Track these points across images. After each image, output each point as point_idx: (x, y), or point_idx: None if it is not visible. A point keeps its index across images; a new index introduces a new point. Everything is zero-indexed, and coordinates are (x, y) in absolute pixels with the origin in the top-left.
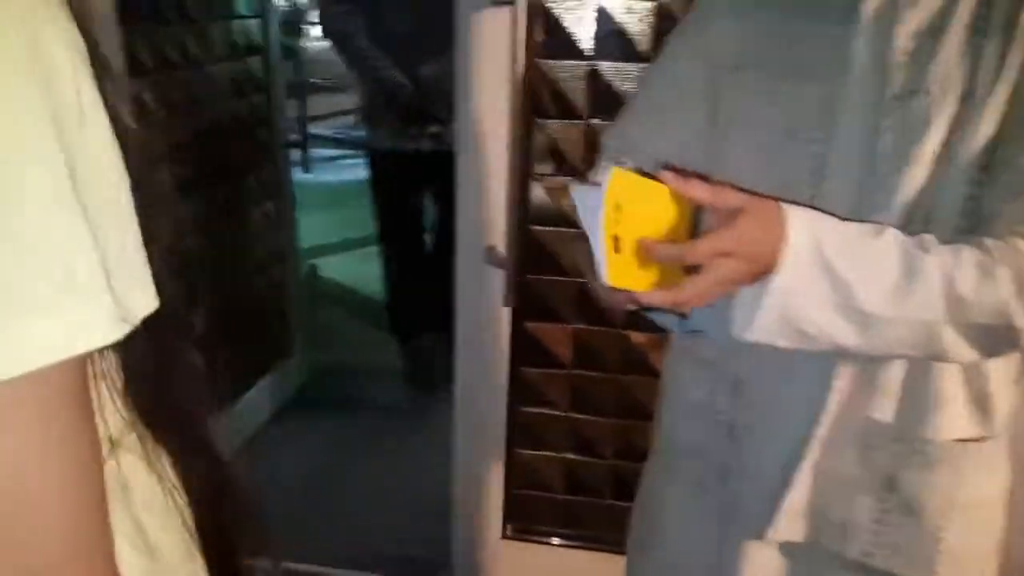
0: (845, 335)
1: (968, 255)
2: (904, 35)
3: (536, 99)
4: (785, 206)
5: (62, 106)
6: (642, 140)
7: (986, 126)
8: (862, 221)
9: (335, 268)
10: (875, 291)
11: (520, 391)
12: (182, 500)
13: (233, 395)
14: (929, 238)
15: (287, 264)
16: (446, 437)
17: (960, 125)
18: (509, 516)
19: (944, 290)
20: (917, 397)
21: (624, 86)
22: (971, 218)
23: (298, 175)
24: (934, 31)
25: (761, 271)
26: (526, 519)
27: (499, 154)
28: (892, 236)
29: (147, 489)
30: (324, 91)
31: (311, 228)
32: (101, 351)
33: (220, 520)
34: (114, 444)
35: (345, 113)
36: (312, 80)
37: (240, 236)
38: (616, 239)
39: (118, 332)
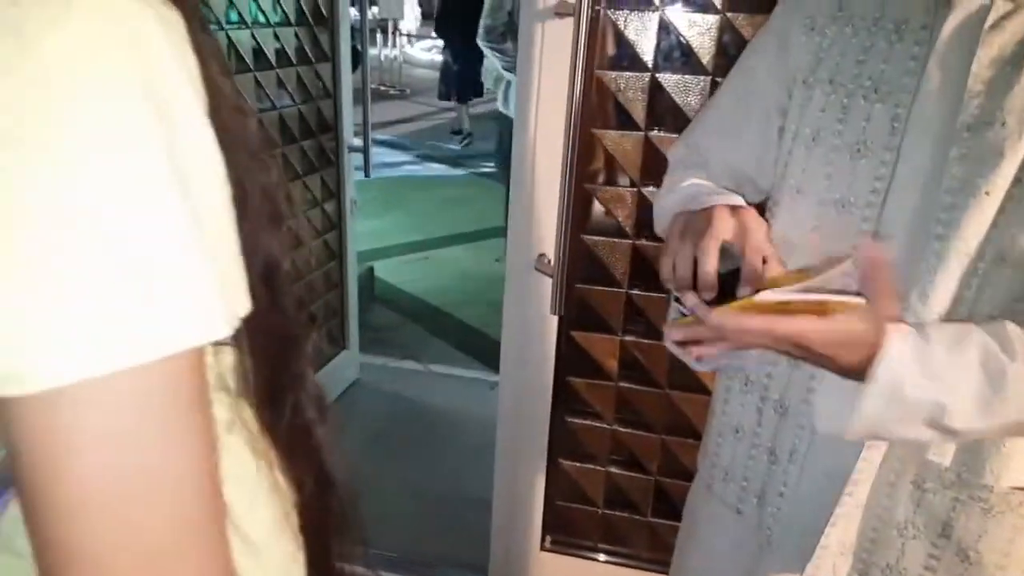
0: (934, 441)
1: None
2: (983, 61)
3: (595, 110)
4: (889, 329)
5: (167, 107)
6: (713, 152)
7: None
8: (951, 321)
9: (389, 270)
10: (962, 409)
11: (565, 401)
12: (289, 492)
13: None
14: (1015, 335)
15: (343, 263)
16: (491, 444)
17: None
18: (548, 527)
19: None
20: (978, 441)
21: (685, 99)
22: None
23: (359, 179)
24: (1016, 59)
25: (829, 369)
26: (565, 531)
27: (555, 163)
28: (976, 347)
29: (250, 475)
30: (387, 99)
31: (369, 231)
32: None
33: (323, 517)
34: (227, 428)
35: (405, 121)
36: (380, 87)
37: (302, 234)
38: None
39: (228, 330)
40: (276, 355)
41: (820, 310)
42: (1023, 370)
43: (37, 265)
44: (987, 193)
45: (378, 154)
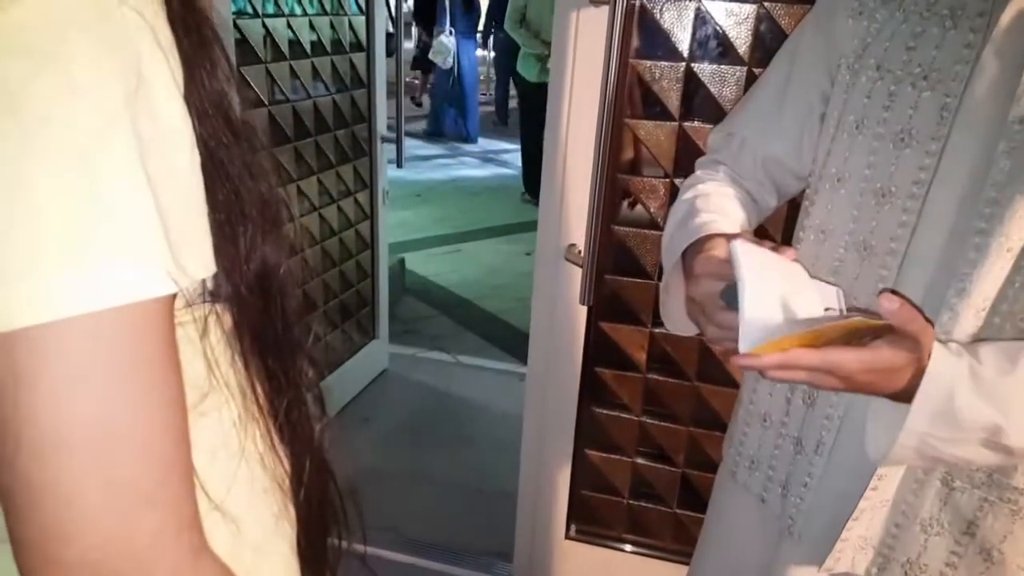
0: (990, 462)
1: None
2: None
3: (628, 99)
4: (935, 347)
5: (138, 80)
6: (750, 140)
7: None
8: (1001, 341)
9: (420, 262)
10: (1019, 427)
11: (592, 392)
12: (282, 463)
13: (324, 371)
14: None
15: (375, 253)
16: (518, 435)
17: None
18: (573, 517)
19: None
20: None
21: (720, 89)
22: None
23: (391, 171)
24: None
25: (872, 393)
26: (590, 521)
27: (587, 153)
28: None
29: (231, 450)
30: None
31: (400, 223)
32: (218, 314)
33: (317, 490)
34: (217, 392)
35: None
36: (415, 79)
37: (335, 223)
38: None
39: (169, 288)
40: (272, 353)
41: (850, 336)
42: None
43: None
44: None
45: (412, 146)
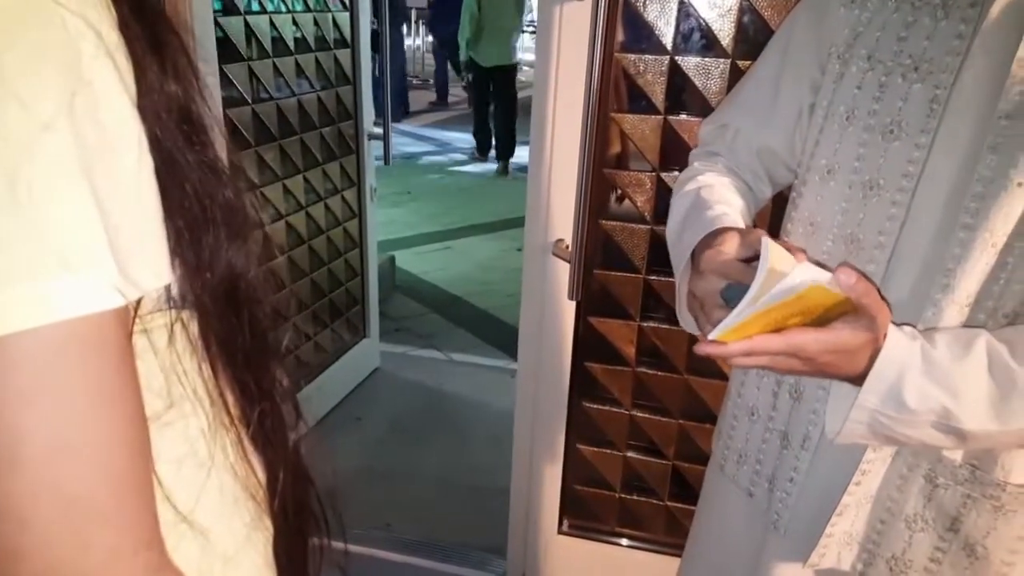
0: (943, 445)
1: None
2: None
3: (613, 93)
4: (890, 329)
5: (79, 84)
6: (742, 131)
7: None
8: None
9: (410, 260)
10: (972, 412)
11: (582, 386)
12: (255, 473)
13: (314, 371)
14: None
15: (364, 251)
16: (510, 431)
17: None
18: (566, 511)
19: None
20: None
21: (705, 82)
22: None
23: (379, 168)
24: None
25: (834, 376)
26: (583, 515)
27: (573, 147)
28: (983, 351)
29: (199, 459)
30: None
31: (390, 221)
32: (183, 322)
33: (293, 499)
34: (179, 405)
35: (428, 111)
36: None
37: (323, 222)
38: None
39: (116, 300)
40: (242, 360)
41: (813, 319)
42: None
43: None
44: (1019, 184)
45: (401, 144)
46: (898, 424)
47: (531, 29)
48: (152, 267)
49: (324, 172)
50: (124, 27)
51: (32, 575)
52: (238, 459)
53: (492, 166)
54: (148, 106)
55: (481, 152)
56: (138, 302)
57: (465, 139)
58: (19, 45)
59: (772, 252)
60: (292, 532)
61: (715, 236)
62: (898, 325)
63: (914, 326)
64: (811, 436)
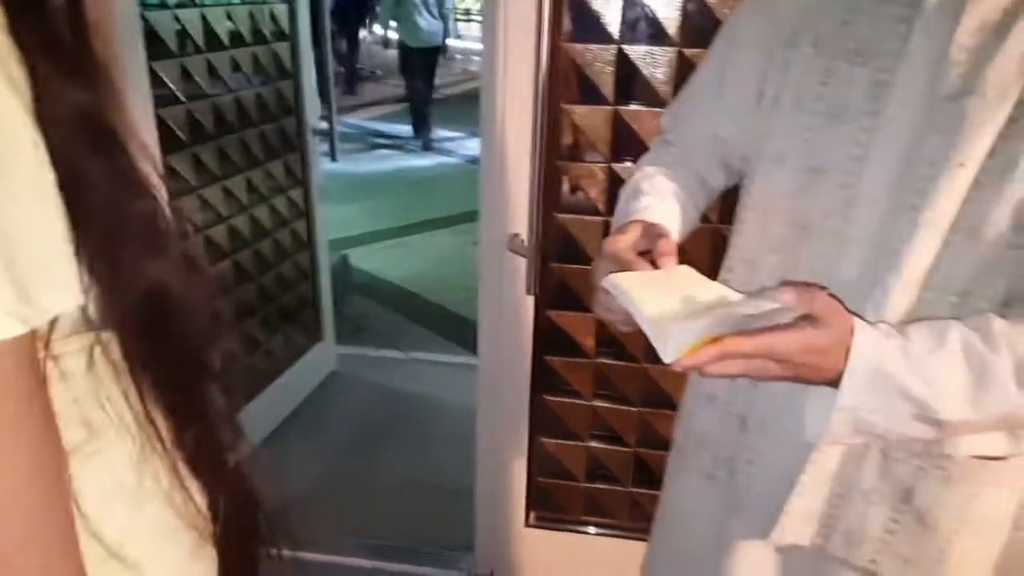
0: (925, 435)
1: None
2: (967, 29)
3: (563, 84)
4: (856, 324)
5: None
6: (695, 124)
7: None
8: (927, 320)
9: (365, 259)
10: (949, 402)
11: (543, 379)
12: (193, 499)
13: (266, 379)
14: (998, 328)
15: (314, 251)
16: (473, 425)
17: (1018, 132)
18: (532, 504)
19: (1022, 379)
20: None
21: (652, 71)
22: None
23: (326, 165)
24: (1000, 28)
25: (813, 379)
26: (549, 507)
27: (525, 140)
28: (957, 341)
29: (127, 489)
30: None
31: (342, 218)
32: (103, 344)
33: (238, 523)
34: (97, 435)
35: (378, 103)
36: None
37: (268, 223)
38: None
39: (12, 330)
40: (171, 381)
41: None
42: (1007, 363)
43: None
44: (961, 165)
45: (350, 139)
46: (880, 419)
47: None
48: (59, 288)
49: (267, 171)
50: (16, 33)
51: None
52: (173, 487)
53: (444, 159)
54: (46, 115)
55: (419, 134)
56: (51, 326)
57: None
58: None
59: (623, 287)
60: (239, 557)
61: (626, 226)
62: (871, 324)
63: (865, 318)
64: (768, 419)
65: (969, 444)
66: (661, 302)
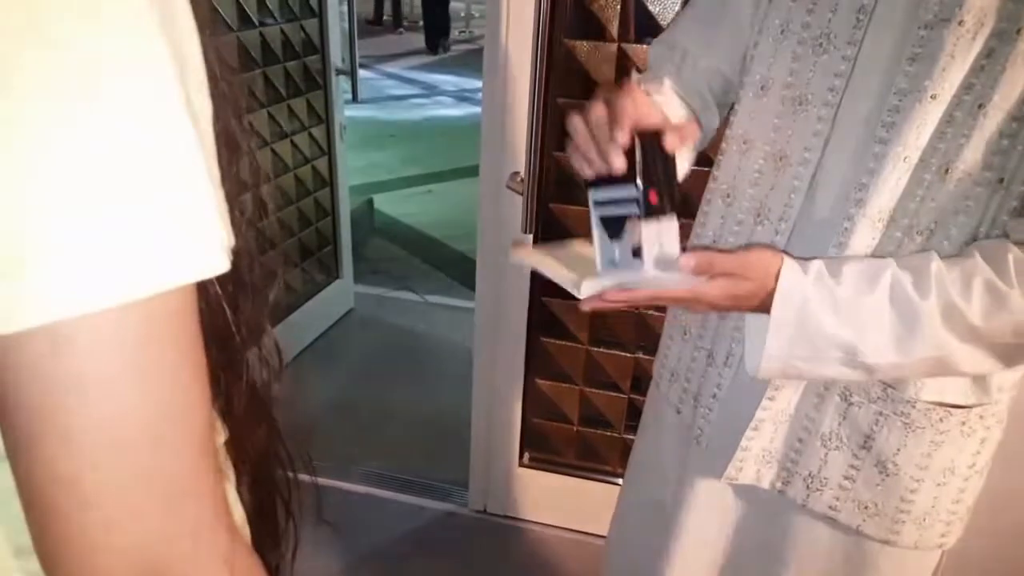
0: (855, 379)
1: (980, 284)
2: None
3: (569, 20)
4: (784, 267)
5: (179, 42)
6: (690, 53)
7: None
8: (864, 258)
9: (390, 203)
10: (877, 346)
11: (540, 322)
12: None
13: (284, 312)
14: (934, 270)
15: (335, 190)
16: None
17: (994, 66)
18: (526, 444)
19: (950, 326)
20: None
21: (656, 7)
22: (999, 172)
23: (363, 111)
24: None
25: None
26: (543, 448)
27: (526, 77)
28: (887, 286)
29: None
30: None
31: (372, 164)
32: None
33: (256, 433)
34: None
35: (412, 54)
36: (387, 18)
37: (289, 159)
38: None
39: (228, 263)
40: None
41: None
42: (935, 308)
43: (44, 188)
44: (933, 97)
45: (387, 86)
46: (808, 363)
47: None
48: (228, 222)
49: (289, 108)
50: None
51: (126, 550)
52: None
53: (476, 108)
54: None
55: (429, 48)
56: None
57: (452, 81)
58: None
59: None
60: (257, 474)
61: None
62: (806, 260)
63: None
64: (734, 353)
65: (931, 391)
66: (565, 264)
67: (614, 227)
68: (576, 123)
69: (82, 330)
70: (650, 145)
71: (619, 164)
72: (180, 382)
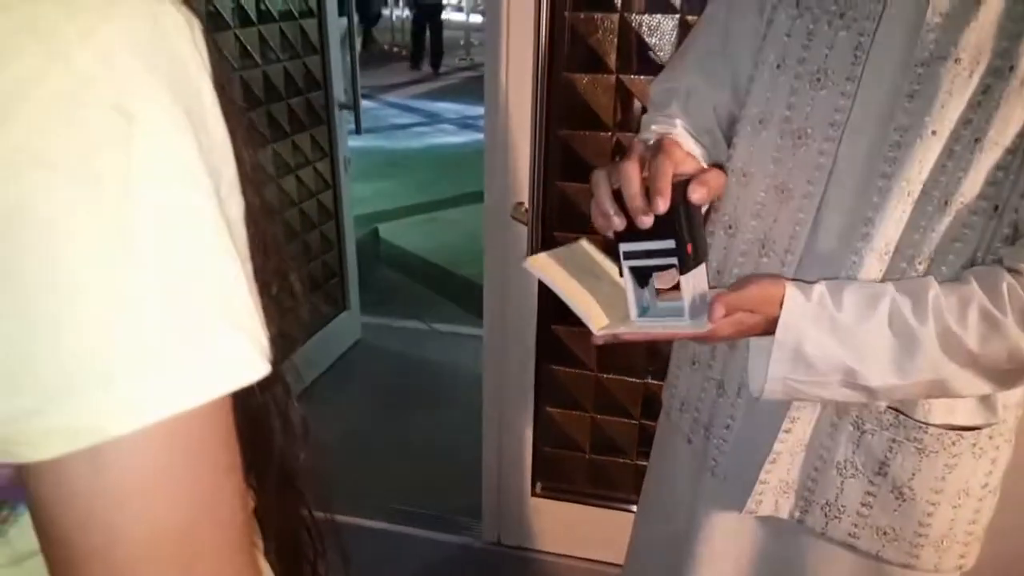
0: (856, 400)
1: (976, 311)
2: None
3: (567, 53)
4: (787, 294)
5: (200, 124)
6: (704, 87)
7: (1021, 109)
8: (861, 283)
9: (394, 232)
10: (876, 370)
11: (549, 349)
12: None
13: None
14: (932, 295)
15: (340, 222)
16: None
17: (989, 101)
18: (538, 474)
19: (948, 351)
20: None
21: (654, 39)
22: (995, 200)
23: (359, 141)
24: None
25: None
26: (555, 477)
27: (527, 110)
28: (886, 310)
29: None
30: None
31: (375, 193)
32: None
33: (284, 503)
34: None
35: (416, 83)
36: (393, 48)
37: (295, 194)
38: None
39: (267, 366)
40: None
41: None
42: (932, 333)
43: (88, 300)
44: (933, 132)
45: (388, 115)
46: (809, 386)
47: None
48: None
49: (294, 143)
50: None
51: None
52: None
53: (478, 135)
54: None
55: (414, 63)
56: None
57: (454, 109)
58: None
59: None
60: (283, 539)
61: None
62: (810, 283)
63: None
64: (746, 385)
65: (941, 414)
66: (579, 281)
67: (643, 275)
68: (599, 181)
69: (125, 445)
70: (681, 196)
71: (650, 223)
72: (218, 479)
